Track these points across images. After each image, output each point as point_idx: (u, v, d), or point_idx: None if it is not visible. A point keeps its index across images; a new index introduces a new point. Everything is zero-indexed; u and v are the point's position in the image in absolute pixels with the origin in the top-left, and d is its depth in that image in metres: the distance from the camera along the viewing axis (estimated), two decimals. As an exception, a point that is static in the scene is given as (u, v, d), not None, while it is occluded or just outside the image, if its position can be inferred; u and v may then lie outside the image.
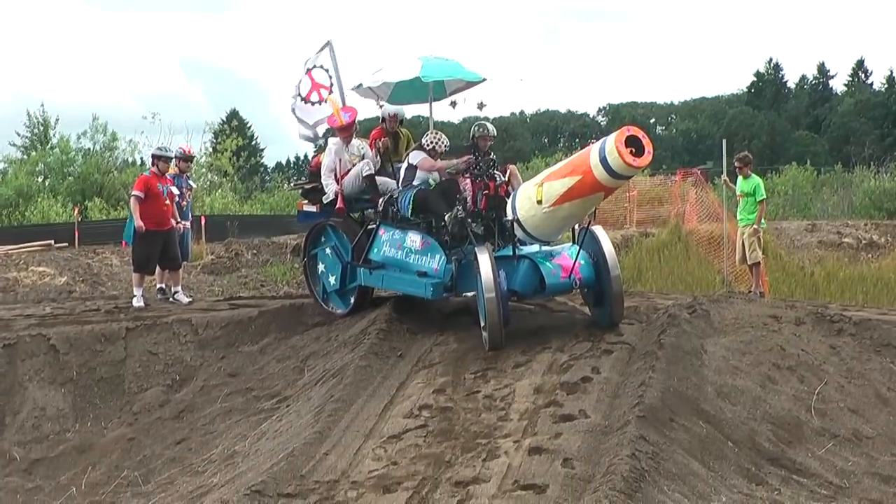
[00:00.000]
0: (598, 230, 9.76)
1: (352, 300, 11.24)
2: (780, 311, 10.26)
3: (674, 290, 15.31)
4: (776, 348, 9.03)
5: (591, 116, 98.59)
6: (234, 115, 69.68)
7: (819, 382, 8.51)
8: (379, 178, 11.21)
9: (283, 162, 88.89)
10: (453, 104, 11.62)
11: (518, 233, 9.46)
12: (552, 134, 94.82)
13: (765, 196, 13.92)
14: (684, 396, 7.57)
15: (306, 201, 12.08)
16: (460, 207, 9.72)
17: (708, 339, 9.16)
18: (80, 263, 22.29)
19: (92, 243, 26.21)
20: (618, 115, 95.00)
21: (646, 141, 8.42)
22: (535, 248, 9.74)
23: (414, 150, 10.89)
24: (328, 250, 11.53)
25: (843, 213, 34.65)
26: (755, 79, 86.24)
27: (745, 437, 7.29)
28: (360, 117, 12.04)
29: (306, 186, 12.30)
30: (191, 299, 13.38)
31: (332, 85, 12.27)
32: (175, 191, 13.23)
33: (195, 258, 21.08)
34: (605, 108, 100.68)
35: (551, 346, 9.31)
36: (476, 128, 10.62)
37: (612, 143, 8.42)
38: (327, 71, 12.34)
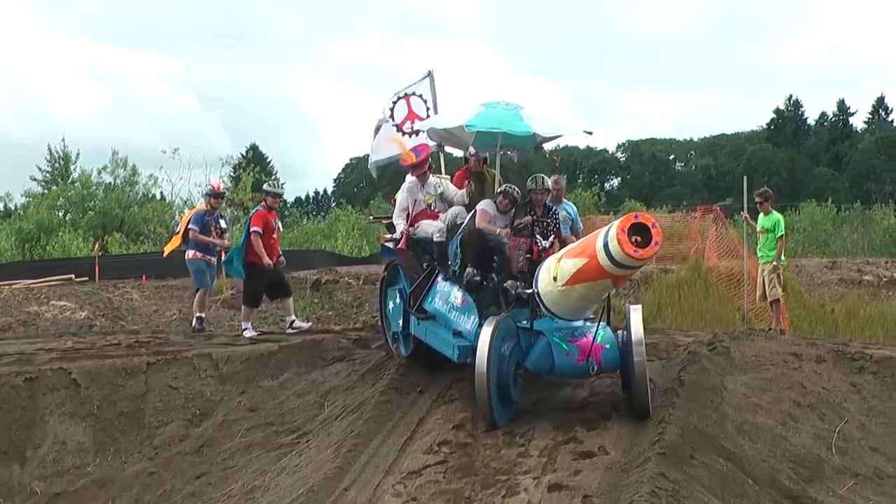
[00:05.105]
0: (633, 309, 8.83)
1: (411, 344, 10.60)
2: (800, 348, 10.26)
3: (694, 326, 15.22)
4: (797, 386, 9.01)
5: (609, 152, 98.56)
6: (253, 149, 70.39)
7: (840, 420, 8.48)
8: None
9: (303, 197, 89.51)
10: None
11: (542, 306, 8.59)
12: (571, 170, 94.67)
13: (784, 232, 13.91)
14: (704, 433, 7.56)
15: (389, 235, 11.37)
16: (472, 270, 9.32)
17: (728, 376, 9.16)
18: (100, 298, 22.40)
19: (112, 277, 26.37)
20: (637, 151, 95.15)
21: (655, 230, 7.44)
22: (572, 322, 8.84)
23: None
24: (396, 290, 11.00)
25: (863, 250, 34.48)
26: (775, 115, 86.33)
27: (766, 475, 7.27)
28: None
29: (384, 221, 11.89)
30: (309, 324, 13.71)
31: (427, 117, 12.00)
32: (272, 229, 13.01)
33: (216, 292, 21.13)
34: (624, 144, 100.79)
35: (571, 382, 9.31)
36: (530, 181, 9.91)
37: (614, 230, 7.47)
38: (426, 102, 12.26)
